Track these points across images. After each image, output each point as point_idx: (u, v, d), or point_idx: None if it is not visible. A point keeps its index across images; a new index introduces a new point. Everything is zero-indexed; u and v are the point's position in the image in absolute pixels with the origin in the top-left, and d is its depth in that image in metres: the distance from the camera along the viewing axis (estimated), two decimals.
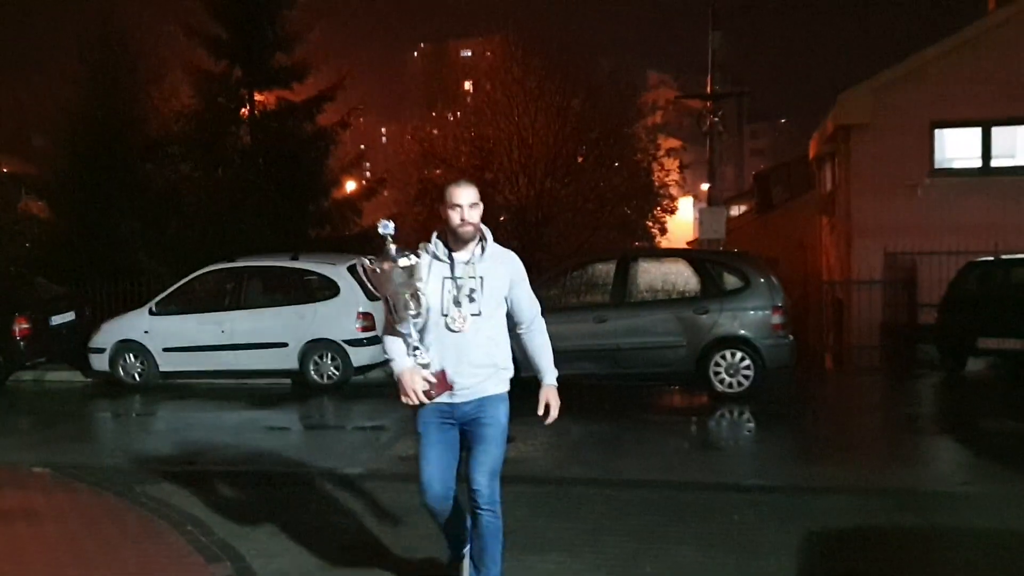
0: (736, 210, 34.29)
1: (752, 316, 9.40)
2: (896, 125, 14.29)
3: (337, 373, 10.67)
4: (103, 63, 19.79)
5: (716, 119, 18.74)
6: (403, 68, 64.74)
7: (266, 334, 10.78)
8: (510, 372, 3.88)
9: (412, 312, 3.65)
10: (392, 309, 3.69)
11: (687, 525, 5.43)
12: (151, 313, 11.15)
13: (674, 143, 34.80)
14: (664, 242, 33.20)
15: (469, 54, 67.30)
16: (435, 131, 28.56)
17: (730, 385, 9.33)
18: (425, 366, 3.72)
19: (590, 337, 9.59)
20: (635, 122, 31.21)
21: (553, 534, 5.31)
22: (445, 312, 3.71)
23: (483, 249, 3.77)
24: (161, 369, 11.02)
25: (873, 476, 6.65)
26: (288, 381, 11.09)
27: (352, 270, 10.65)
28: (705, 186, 47.83)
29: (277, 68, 19.87)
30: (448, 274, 3.73)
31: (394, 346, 3.79)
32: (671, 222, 33.91)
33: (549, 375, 3.91)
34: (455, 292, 3.71)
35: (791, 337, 9.52)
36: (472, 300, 3.70)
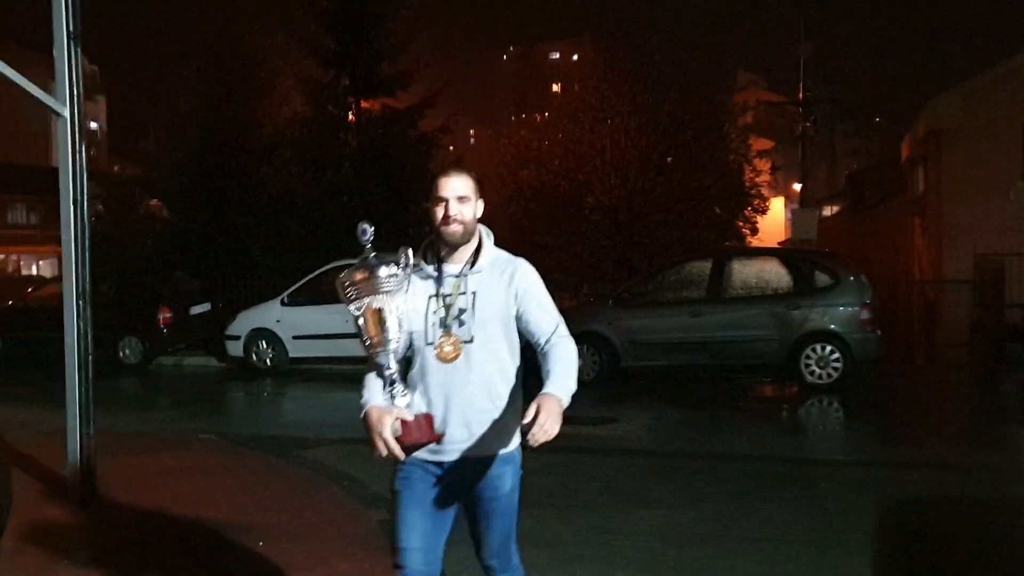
0: (829, 210, 34.19)
1: (842, 312, 9.97)
2: (987, 129, 14.52)
3: None
4: (219, 72, 21.31)
5: (808, 124, 19.06)
6: (491, 71, 65.88)
7: None
8: (517, 424, 2.88)
9: (388, 336, 2.80)
10: (364, 331, 2.82)
11: (777, 491, 6.15)
12: (283, 304, 12.33)
13: (765, 144, 34.89)
14: (755, 242, 33.31)
15: (557, 56, 67.99)
16: (524, 133, 29.45)
17: (820, 377, 9.92)
18: (404, 407, 2.82)
19: (685, 330, 10.30)
20: (726, 123, 31.49)
21: (658, 495, 6.10)
22: (430, 340, 2.86)
23: (478, 258, 2.90)
24: (291, 355, 12.19)
25: (950, 455, 7.23)
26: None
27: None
28: (797, 186, 47.54)
29: (382, 77, 21.10)
30: (434, 291, 2.89)
31: (367, 380, 2.91)
32: (762, 222, 34.03)
33: (557, 386, 2.72)
34: (442, 314, 2.85)
35: (879, 332, 10.05)
36: (462, 323, 2.84)
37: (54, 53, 6.23)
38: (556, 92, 61.90)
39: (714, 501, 5.97)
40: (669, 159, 25.42)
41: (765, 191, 33.95)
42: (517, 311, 2.87)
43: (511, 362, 2.89)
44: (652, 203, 23.99)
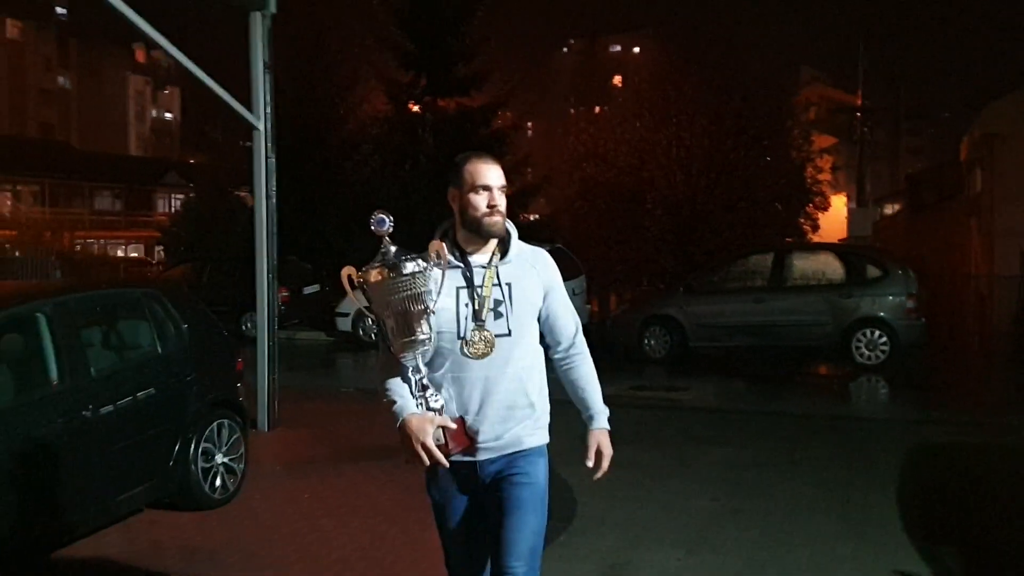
0: (890, 208, 35.10)
1: (890, 301, 11.43)
2: None
3: None
4: (303, 69, 23.14)
5: (866, 130, 20.31)
6: (551, 64, 67.33)
7: None
8: (548, 417, 2.93)
9: (420, 336, 2.69)
10: (391, 333, 2.72)
11: (822, 437, 7.79)
12: None
13: (828, 140, 35.82)
14: (816, 239, 34.25)
15: (618, 49, 69.04)
16: (591, 130, 30.93)
17: (868, 358, 11.40)
18: (438, 411, 2.75)
19: (748, 315, 11.85)
20: (789, 119, 32.52)
21: (725, 438, 7.75)
22: (462, 334, 2.77)
23: (506, 248, 2.85)
24: None
25: (982, 416, 8.72)
26: None
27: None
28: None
29: (457, 78, 22.88)
30: (463, 282, 2.80)
31: (394, 386, 2.78)
32: (823, 219, 34.99)
33: (600, 416, 2.97)
34: (475, 306, 2.77)
35: (923, 320, 11.50)
36: (499, 316, 2.77)
37: (251, 80, 7.98)
38: (616, 85, 63.08)
39: (771, 442, 7.60)
40: (732, 156, 26.67)
41: (826, 188, 34.99)
42: (544, 305, 2.87)
43: (538, 354, 2.87)
44: (714, 201, 25.05)
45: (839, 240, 31.99)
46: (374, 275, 2.66)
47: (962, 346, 12.72)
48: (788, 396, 9.99)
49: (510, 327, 2.76)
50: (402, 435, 2.70)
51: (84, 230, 35.89)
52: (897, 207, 35.59)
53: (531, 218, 26.06)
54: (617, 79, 60.68)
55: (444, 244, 2.74)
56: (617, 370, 11.44)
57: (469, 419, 2.77)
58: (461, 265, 2.80)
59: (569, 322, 2.95)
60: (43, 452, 4.75)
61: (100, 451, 5.07)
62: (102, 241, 36.52)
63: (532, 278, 2.84)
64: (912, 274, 11.65)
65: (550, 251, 11.69)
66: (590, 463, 2.93)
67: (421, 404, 2.71)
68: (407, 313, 2.64)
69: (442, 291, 2.73)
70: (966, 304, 17.12)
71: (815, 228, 33.71)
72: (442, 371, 2.79)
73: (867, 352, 11.40)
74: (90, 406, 5.02)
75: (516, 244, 2.86)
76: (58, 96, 54.21)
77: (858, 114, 20.85)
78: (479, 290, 2.77)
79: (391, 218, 2.68)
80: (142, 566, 4.92)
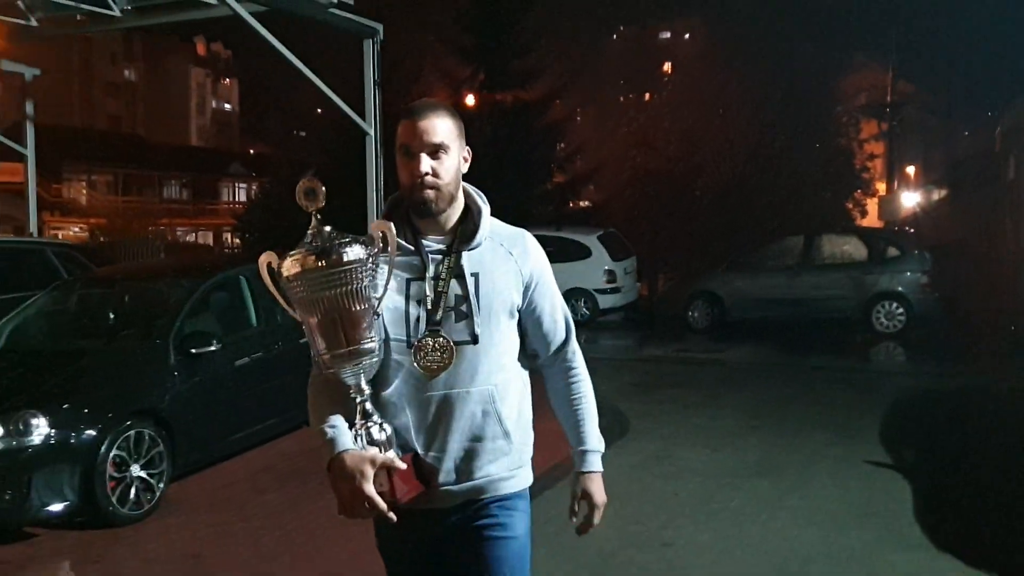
0: (937, 194, 36.42)
1: (907, 277, 13.25)
2: None
3: (588, 313, 15.34)
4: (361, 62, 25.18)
5: (895, 123, 21.91)
6: (601, 52, 68.91)
7: None
8: (530, 450, 2.31)
9: (365, 345, 2.05)
10: (319, 342, 2.07)
11: (837, 383, 9.77)
12: None
13: (875, 128, 36.99)
14: (864, 224, 35.57)
15: (668, 36, 70.28)
16: (639, 116, 32.64)
17: (887, 327, 13.22)
18: (383, 445, 2.08)
19: (781, 290, 13.73)
20: (838, 106, 33.85)
21: (752, 383, 9.73)
22: (412, 339, 2.14)
23: (474, 228, 2.20)
24: None
25: (991, 369, 10.52)
26: None
27: (603, 239, 15.20)
28: (910, 169, 49.33)
29: (514, 72, 24.87)
30: (414, 272, 2.17)
31: (326, 412, 2.11)
32: (872, 204, 36.28)
33: (592, 455, 2.33)
34: (428, 304, 2.14)
35: (937, 294, 13.30)
36: (461, 316, 2.14)
37: (364, 93, 10.06)
38: (666, 72, 64.38)
39: (791, 386, 9.61)
40: (778, 144, 28.16)
41: (875, 174, 36.33)
42: (524, 302, 2.23)
43: (517, 368, 2.25)
44: (762, 187, 26.31)
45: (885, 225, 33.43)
46: (295, 263, 1.99)
47: (982, 318, 14.27)
48: (812, 355, 11.91)
49: (475, 332, 2.12)
50: (332, 479, 2.03)
51: (155, 218, 38.70)
52: (944, 191, 36.92)
53: (583, 204, 28.08)
54: (667, 66, 62.05)
55: (391, 224, 2.07)
56: (664, 338, 13.62)
57: (425, 455, 2.14)
58: (413, 249, 2.16)
59: (557, 324, 2.28)
60: (251, 373, 6.88)
61: (277, 380, 7.08)
62: (178, 229, 39.36)
63: (506, 267, 2.18)
64: (928, 255, 13.44)
65: (603, 235, 14.05)
66: (574, 519, 2.30)
67: (361, 437, 2.04)
68: (342, 315, 1.99)
69: (389, 285, 2.07)
70: (997, 283, 18.62)
71: (863, 214, 35.08)
72: (390, 390, 2.14)
73: (885, 322, 13.22)
74: (278, 343, 7.15)
75: (487, 223, 2.20)
76: (124, 89, 57.62)
77: (887, 109, 22.40)
78: (436, 283, 2.13)
79: (323, 188, 2.02)
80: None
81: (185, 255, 26.78)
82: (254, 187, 43.00)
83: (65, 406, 5.45)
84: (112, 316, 6.87)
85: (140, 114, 58.06)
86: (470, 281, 2.16)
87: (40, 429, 5.26)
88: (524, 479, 2.28)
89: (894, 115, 21.79)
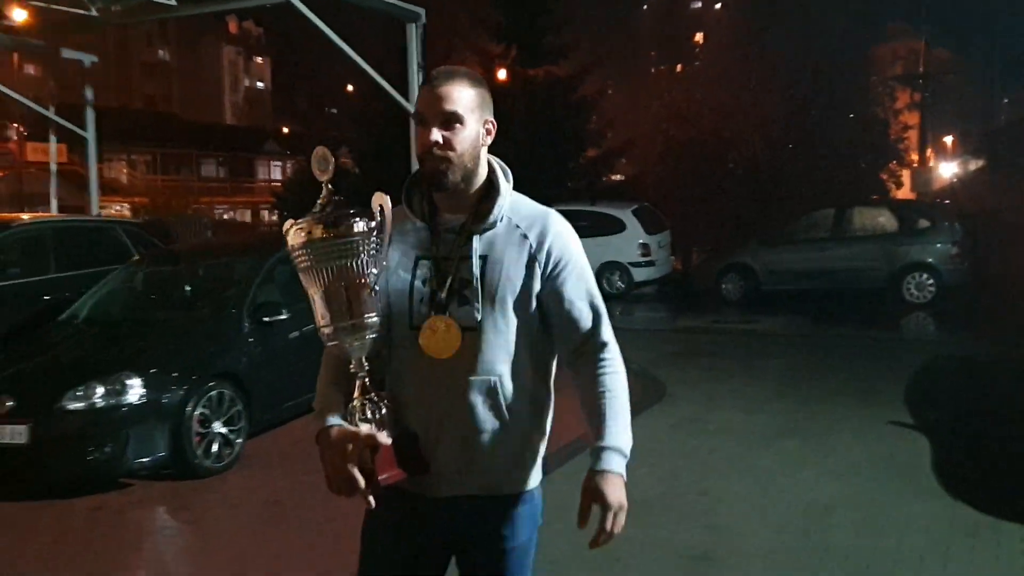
0: (974, 164, 36.34)
1: (937, 248, 13.59)
2: None
3: (623, 286, 15.83)
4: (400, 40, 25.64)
5: (927, 94, 22.04)
6: (632, 22, 68.68)
7: None
8: (542, 448, 2.19)
9: (368, 320, 2.03)
10: (321, 314, 2.04)
11: (865, 351, 10.21)
12: None
13: (915, 96, 36.71)
14: (900, 196, 35.50)
15: (699, 5, 69.78)
16: (671, 89, 32.81)
17: (917, 297, 13.59)
18: (375, 423, 2.03)
19: (812, 262, 14.13)
20: (872, 75, 33.77)
21: (783, 353, 10.21)
22: (416, 321, 2.08)
23: (491, 207, 2.10)
24: None
25: (992, 344, 10.92)
26: None
27: (637, 213, 15.65)
28: (948, 139, 48.92)
29: (546, 48, 25.22)
30: (424, 250, 2.12)
31: (322, 386, 2.15)
32: (907, 176, 36.21)
33: (610, 453, 2.06)
34: (433, 284, 2.08)
35: (966, 264, 13.62)
36: (465, 300, 2.06)
37: (408, 75, 10.57)
38: (697, 43, 64.07)
39: (820, 354, 10.10)
40: (811, 115, 28.24)
41: (911, 144, 36.27)
42: (545, 289, 2.09)
43: (532, 358, 2.11)
44: (795, 160, 26.45)
45: (919, 196, 33.42)
46: (301, 232, 1.99)
47: (1015, 289, 14.52)
48: (843, 325, 12.33)
49: (479, 318, 2.03)
50: (320, 453, 2.02)
51: (193, 196, 39.64)
52: (982, 162, 36.80)
53: (615, 178, 28.43)
54: (699, 37, 61.76)
55: (387, 198, 2.03)
56: (698, 310, 14.11)
57: (422, 439, 2.07)
58: (426, 226, 2.11)
59: (583, 313, 2.12)
60: (315, 340, 7.46)
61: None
62: (216, 207, 40.30)
63: (520, 251, 2.07)
64: (958, 226, 13.75)
65: (637, 209, 14.59)
66: (582, 523, 2.04)
67: (354, 413, 2.02)
68: (345, 288, 1.99)
69: (396, 261, 2.08)
70: None
71: (899, 185, 35.02)
72: (392, 370, 2.12)
73: (916, 293, 13.58)
74: None
75: (504, 203, 2.10)
76: (160, 69, 58.64)
77: (919, 80, 22.52)
78: (442, 263, 2.07)
79: (332, 160, 2.01)
80: None
81: (244, 232, 27.53)
82: (288, 165, 43.72)
83: (154, 369, 6.07)
84: (188, 289, 7.49)
85: (175, 94, 59.11)
86: (476, 264, 2.05)
87: (135, 389, 5.88)
88: (528, 479, 2.13)
89: (927, 85, 21.88)
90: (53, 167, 14.50)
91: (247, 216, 42.35)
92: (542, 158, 24.05)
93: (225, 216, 39.51)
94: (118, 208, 35.76)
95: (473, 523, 2.13)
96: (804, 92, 26.95)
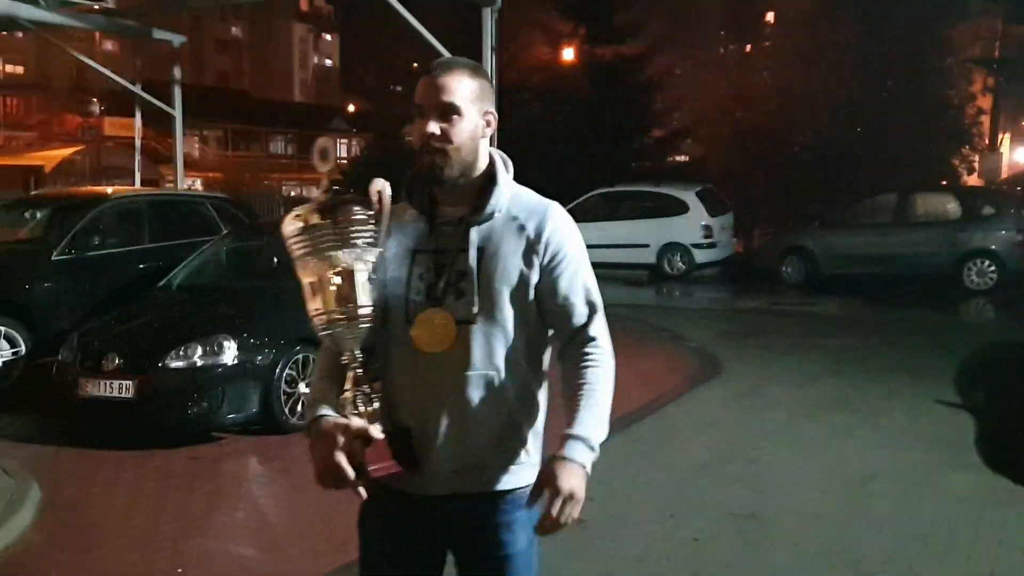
0: None
1: (1001, 236, 13.66)
2: None
3: (684, 267, 16.14)
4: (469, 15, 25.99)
5: (1002, 79, 21.64)
6: (700, 3, 67.91)
7: (633, 238, 16.40)
8: (539, 444, 2.16)
9: (361, 310, 2.01)
10: (313, 303, 2.02)
11: (920, 332, 10.49)
12: None
13: (982, 80, 35.75)
14: (972, 182, 34.64)
15: None
16: (738, 69, 32.64)
17: (978, 284, 13.69)
18: (366, 415, 2.02)
19: (874, 246, 14.28)
20: (948, 57, 32.91)
21: (839, 334, 10.49)
22: (411, 315, 2.06)
23: (488, 198, 2.08)
24: None
25: None
26: (645, 273, 16.65)
27: (701, 194, 15.93)
28: None
29: (616, 27, 25.36)
30: (421, 244, 2.10)
31: (316, 378, 2.16)
32: (982, 161, 35.20)
33: (576, 443, 2.00)
34: (430, 277, 2.07)
35: None
36: (461, 294, 2.05)
37: (483, 61, 11.00)
38: (768, 22, 63.06)
39: (876, 336, 10.41)
40: (880, 98, 27.87)
41: (985, 129, 35.27)
42: (541, 282, 2.07)
43: (528, 353, 2.10)
44: (862, 143, 26.15)
45: (998, 182, 32.71)
46: (298, 219, 2.00)
47: None
48: (901, 309, 12.53)
49: (475, 311, 2.03)
50: (310, 445, 2.02)
51: (263, 172, 40.77)
52: None
53: (680, 159, 28.51)
54: (770, 15, 60.84)
55: (387, 184, 2.08)
56: (758, 291, 14.38)
57: (415, 434, 2.06)
58: (424, 218, 2.11)
59: (575, 306, 2.10)
60: None
61: None
62: (283, 183, 41.39)
63: (517, 243, 2.06)
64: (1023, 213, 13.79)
65: (701, 191, 14.98)
66: (529, 504, 2.02)
67: (347, 405, 2.01)
68: (339, 276, 1.98)
69: (394, 254, 2.08)
70: None
71: (970, 171, 34.24)
72: (387, 363, 2.10)
73: (976, 279, 13.68)
74: None
75: (501, 195, 2.09)
76: (231, 46, 60.05)
77: (993, 64, 22.13)
78: (438, 256, 2.07)
79: (334, 151, 2.15)
80: None
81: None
82: (354, 142, 44.55)
83: (246, 333, 6.66)
84: (275, 260, 8.09)
85: (246, 70, 60.47)
86: (473, 257, 2.04)
87: (230, 351, 6.49)
88: (527, 478, 2.08)
89: (1002, 70, 21.51)
90: (138, 143, 15.30)
91: (313, 193, 43.32)
92: (607, 138, 24.33)
93: (291, 193, 40.49)
94: (190, 183, 36.95)
95: (468, 522, 2.09)
96: (876, 70, 26.62)
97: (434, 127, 2.01)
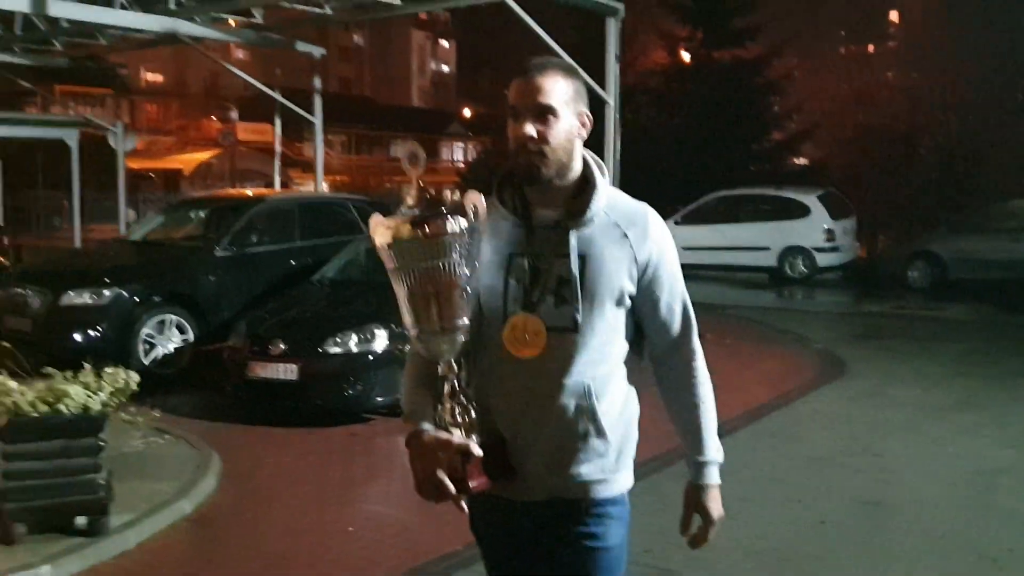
0: None
1: None
2: None
3: (806, 270, 16.16)
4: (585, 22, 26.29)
5: None
6: (821, 2, 66.57)
7: (754, 241, 16.51)
8: (632, 451, 2.17)
9: (460, 323, 1.97)
10: (410, 317, 1.99)
11: None
12: (675, 223, 17.41)
13: None
14: None
15: None
16: (860, 72, 31.98)
17: None
18: (463, 428, 2.00)
19: (1003, 251, 14.04)
20: None
21: (965, 339, 10.49)
22: (506, 319, 2.04)
23: (588, 202, 2.06)
24: (680, 262, 17.25)
25: None
26: (765, 275, 16.74)
27: (823, 198, 15.92)
28: None
29: (734, 30, 25.33)
30: (517, 247, 2.06)
31: (412, 387, 2.12)
32: None
33: (708, 467, 2.16)
34: (527, 282, 2.04)
35: None
36: (561, 301, 2.02)
37: (606, 69, 11.42)
38: (893, 21, 61.48)
39: (1003, 340, 10.42)
40: (1019, 97, 26.92)
41: None
42: (640, 290, 2.06)
43: (618, 359, 2.11)
44: (995, 144, 25.25)
45: None
46: (388, 232, 1.92)
47: None
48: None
49: (576, 319, 2.00)
50: (409, 457, 2.01)
51: (386, 175, 42.19)
52: None
53: (799, 162, 28.20)
54: (893, 15, 59.26)
55: (481, 196, 1.99)
56: (882, 295, 14.36)
57: (511, 444, 2.06)
58: (521, 222, 2.07)
59: (674, 316, 2.12)
60: None
61: None
62: (402, 186, 42.75)
63: (619, 250, 2.03)
64: None
65: (823, 195, 15.10)
66: (685, 533, 2.18)
67: (443, 417, 1.99)
68: (435, 289, 1.93)
69: (489, 259, 2.04)
70: None
71: None
72: (481, 372, 2.08)
73: None
74: None
75: (601, 199, 2.06)
76: (354, 53, 62.19)
77: None
78: (538, 260, 2.02)
79: (423, 156, 2.01)
80: None
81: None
82: (471, 146, 45.57)
83: (395, 324, 7.25)
84: None
85: (367, 76, 62.54)
86: (575, 263, 2.00)
87: (381, 339, 7.10)
88: (621, 483, 2.13)
89: None
90: (278, 148, 16.25)
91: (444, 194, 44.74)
92: (725, 141, 24.33)
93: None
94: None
95: (563, 527, 2.09)
96: (1009, 74, 25.84)
97: (531, 129, 1.99)
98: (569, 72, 2.06)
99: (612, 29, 11.42)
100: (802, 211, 16.25)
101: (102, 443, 4.69)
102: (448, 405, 1.99)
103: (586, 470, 2.07)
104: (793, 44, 31.65)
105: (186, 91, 47.63)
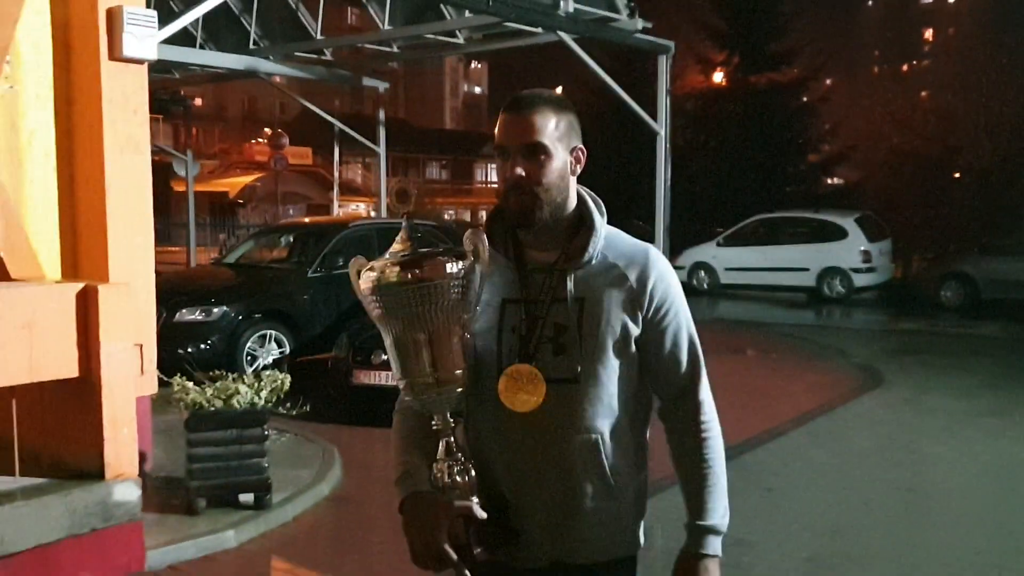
0: None
1: None
2: None
3: (843, 291, 17.11)
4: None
5: None
6: (855, 19, 67.50)
7: (793, 262, 17.49)
8: (643, 511, 2.05)
9: (456, 372, 1.86)
10: (399, 366, 1.88)
11: None
12: (718, 245, 18.44)
13: None
14: None
15: (930, 0, 67.52)
16: (894, 90, 32.70)
17: None
18: (463, 487, 1.88)
19: None
20: None
21: (998, 354, 11.43)
22: (501, 371, 1.91)
23: (586, 243, 1.95)
24: (722, 281, 18.30)
25: None
26: (804, 295, 17.71)
27: (860, 221, 16.91)
28: None
29: (769, 54, 26.35)
30: (512, 292, 1.96)
31: (404, 444, 1.99)
32: None
33: (708, 536, 1.96)
34: (521, 330, 1.92)
35: None
36: (560, 350, 1.91)
37: (658, 102, 12.51)
38: (927, 39, 62.22)
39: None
40: None
41: None
42: (644, 334, 1.95)
43: (632, 412, 1.98)
44: None
45: None
46: (374, 275, 1.82)
47: None
48: None
49: (576, 369, 1.88)
50: (403, 523, 1.89)
51: (423, 196, 43.48)
52: None
53: (834, 182, 28.98)
54: (928, 34, 60.01)
55: (485, 236, 1.89)
56: (917, 314, 15.30)
57: (512, 504, 1.93)
58: (513, 265, 1.95)
59: (680, 363, 1.99)
60: None
61: None
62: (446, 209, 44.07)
63: (620, 294, 1.92)
64: None
65: (860, 218, 16.23)
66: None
67: (440, 477, 1.86)
68: (427, 337, 1.80)
69: (482, 305, 1.92)
70: None
71: None
72: (477, 427, 1.98)
73: None
74: None
75: (599, 238, 1.95)
76: (390, 76, 63.72)
77: None
78: (532, 306, 1.91)
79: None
80: None
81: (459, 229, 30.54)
82: None
83: None
84: None
85: (400, 98, 64.15)
86: (573, 307, 1.89)
87: None
88: (630, 546, 2.01)
89: None
90: (336, 174, 17.47)
91: (466, 216, 45.85)
92: (761, 163, 25.26)
93: (446, 216, 43.03)
94: (354, 207, 39.95)
95: None
96: None
97: (521, 169, 1.87)
98: (560, 106, 1.93)
99: (664, 66, 12.52)
100: (840, 233, 17.23)
101: (266, 433, 5.80)
102: (445, 464, 1.87)
103: (592, 534, 1.94)
104: (828, 67, 32.60)
105: (226, 115, 49.28)
